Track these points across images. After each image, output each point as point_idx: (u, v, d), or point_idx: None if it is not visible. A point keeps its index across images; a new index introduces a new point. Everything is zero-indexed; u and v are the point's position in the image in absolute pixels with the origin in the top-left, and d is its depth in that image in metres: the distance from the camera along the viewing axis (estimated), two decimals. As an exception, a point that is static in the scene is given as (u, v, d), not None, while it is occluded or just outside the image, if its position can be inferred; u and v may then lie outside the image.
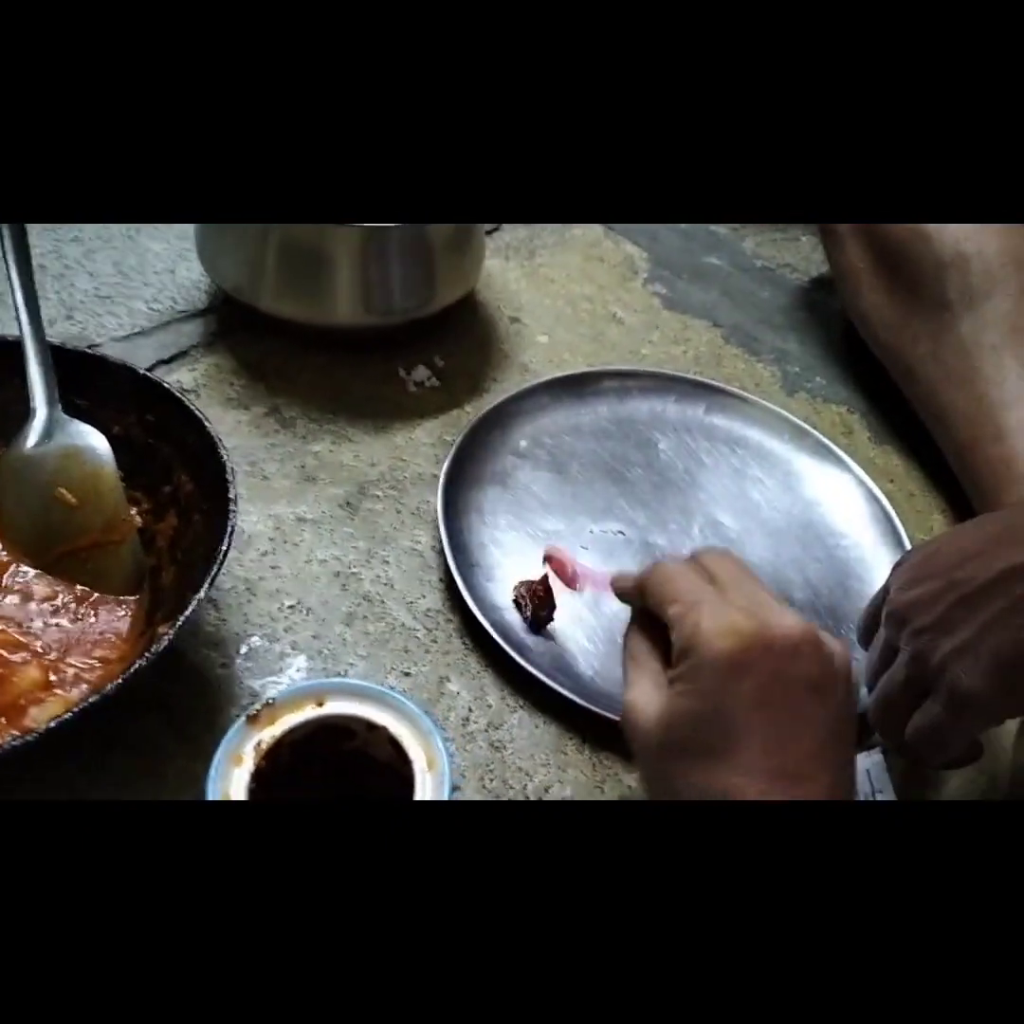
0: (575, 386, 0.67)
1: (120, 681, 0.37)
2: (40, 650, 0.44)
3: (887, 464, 0.68)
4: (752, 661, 0.34)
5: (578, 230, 0.85)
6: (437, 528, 0.56)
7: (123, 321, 0.67)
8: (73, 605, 0.46)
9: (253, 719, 0.38)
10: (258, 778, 0.36)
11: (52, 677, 0.43)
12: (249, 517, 0.56)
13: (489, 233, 0.81)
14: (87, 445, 0.47)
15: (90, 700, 0.37)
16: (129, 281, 0.71)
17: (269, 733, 0.37)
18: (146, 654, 0.38)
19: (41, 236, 0.72)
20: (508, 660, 0.50)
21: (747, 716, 0.34)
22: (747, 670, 0.34)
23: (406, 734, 0.39)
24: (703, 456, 0.65)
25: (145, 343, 0.66)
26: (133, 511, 0.48)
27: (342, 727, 0.40)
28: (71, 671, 0.43)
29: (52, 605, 0.46)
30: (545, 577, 0.53)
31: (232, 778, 0.36)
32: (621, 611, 0.54)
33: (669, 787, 0.35)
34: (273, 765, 0.37)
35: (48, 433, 0.47)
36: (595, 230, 0.86)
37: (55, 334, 0.55)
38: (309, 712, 0.39)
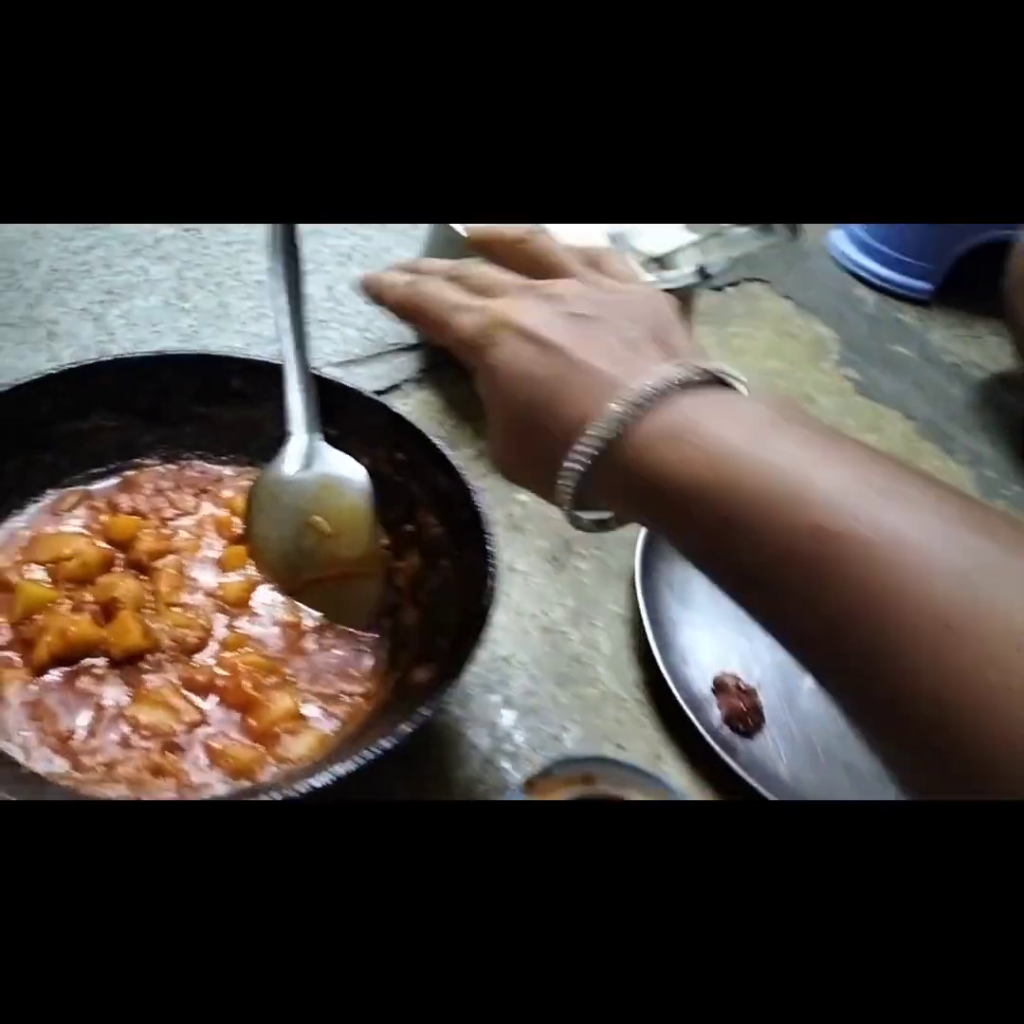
0: None
1: (393, 743, 0.37)
2: (289, 676, 0.44)
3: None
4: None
5: (767, 302, 0.85)
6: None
7: (338, 347, 0.68)
8: (314, 635, 0.46)
9: (530, 786, 0.37)
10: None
11: (302, 707, 0.43)
12: (462, 561, 0.56)
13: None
14: (347, 476, 0.47)
15: (365, 760, 0.36)
16: (342, 307, 0.72)
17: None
18: (415, 717, 0.38)
19: (258, 254, 0.74)
20: (715, 758, 0.48)
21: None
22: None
23: (671, 822, 0.38)
24: None
25: (360, 371, 0.67)
26: (379, 547, 0.49)
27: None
28: (318, 702, 0.43)
29: (295, 632, 0.46)
30: (754, 695, 0.52)
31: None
32: (818, 713, 0.53)
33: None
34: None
35: (308, 460, 0.48)
36: (785, 305, 0.85)
37: (274, 354, 0.56)
38: (577, 789, 0.38)
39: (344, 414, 0.51)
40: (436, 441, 0.49)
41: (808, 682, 0.54)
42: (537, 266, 0.37)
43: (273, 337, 0.67)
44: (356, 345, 0.69)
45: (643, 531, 0.57)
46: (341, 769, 0.35)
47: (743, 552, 0.28)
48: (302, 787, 0.35)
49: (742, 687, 0.52)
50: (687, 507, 0.29)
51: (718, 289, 0.85)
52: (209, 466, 0.52)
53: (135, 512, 0.48)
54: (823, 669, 0.28)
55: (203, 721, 0.41)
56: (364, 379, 0.66)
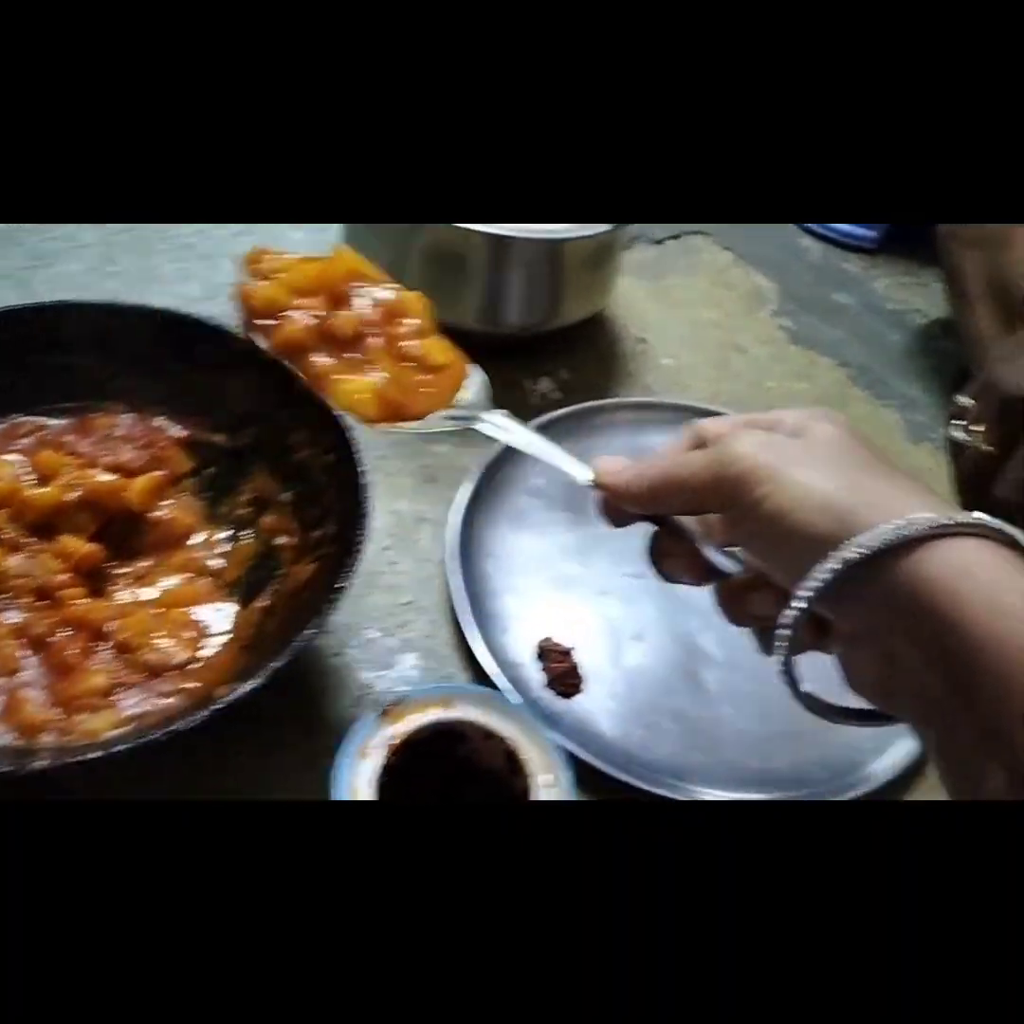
0: (588, 419, 0.64)
1: (254, 685, 0.38)
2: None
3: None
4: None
5: (707, 255, 0.85)
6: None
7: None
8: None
9: (385, 714, 0.38)
10: (387, 773, 0.37)
11: (119, 689, 0.44)
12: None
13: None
14: None
15: (221, 703, 0.37)
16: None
17: (398, 730, 0.38)
18: (283, 658, 0.39)
19: (191, 215, 0.74)
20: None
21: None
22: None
23: (527, 747, 0.39)
24: None
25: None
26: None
27: (458, 732, 0.40)
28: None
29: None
30: (570, 656, 0.51)
31: (359, 771, 0.37)
32: (645, 666, 0.52)
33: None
34: (399, 762, 0.38)
35: None
36: (724, 256, 0.85)
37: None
38: (435, 714, 0.39)
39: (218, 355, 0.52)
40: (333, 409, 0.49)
41: (630, 639, 0.53)
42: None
43: (199, 297, 0.69)
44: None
45: (462, 510, 0.56)
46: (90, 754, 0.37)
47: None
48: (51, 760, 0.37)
49: (560, 649, 0.51)
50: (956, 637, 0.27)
51: (658, 242, 0.85)
52: (169, 424, 0.53)
53: (73, 454, 0.49)
54: None
55: (18, 671, 0.43)
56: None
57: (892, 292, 0.86)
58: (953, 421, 0.58)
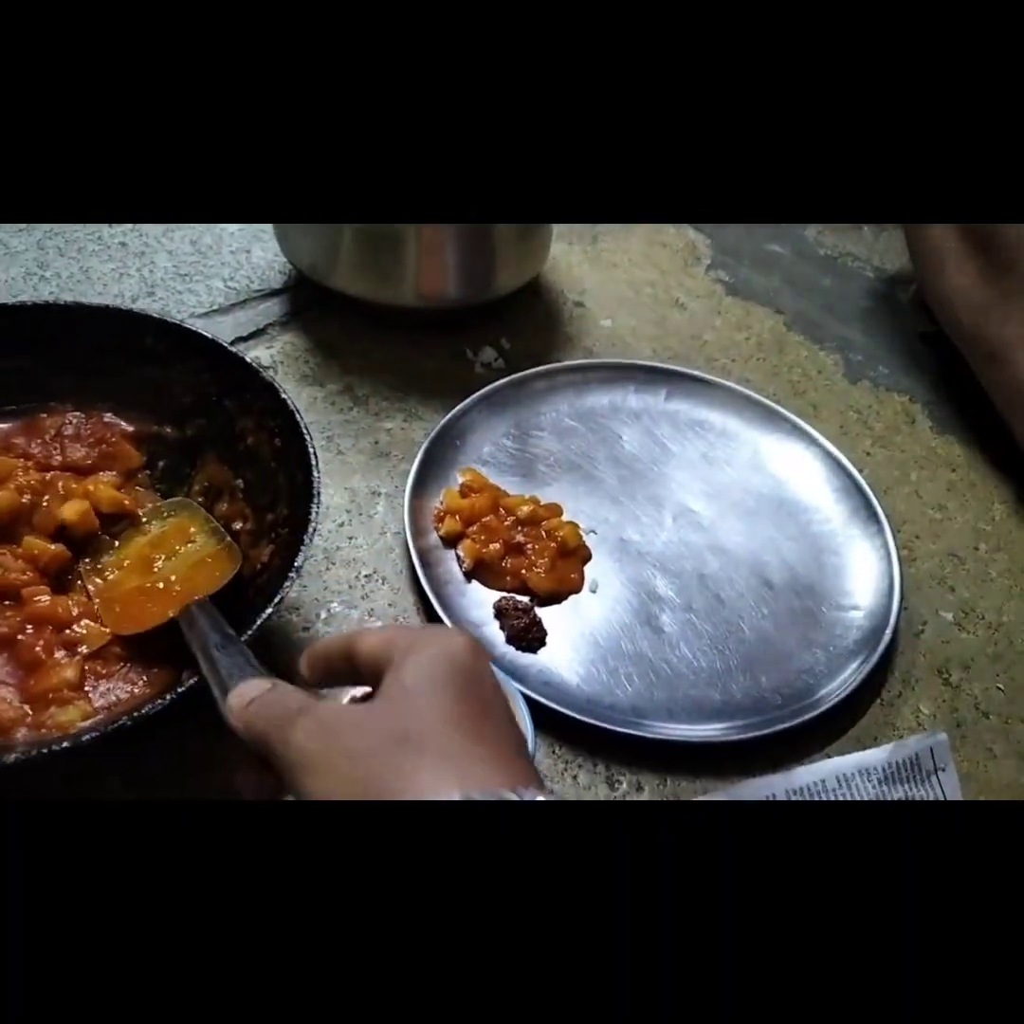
0: (530, 385, 0.65)
1: (114, 727, 0.36)
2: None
3: (949, 453, 0.68)
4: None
5: (641, 216, 0.86)
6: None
7: (202, 299, 0.69)
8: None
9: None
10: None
11: (89, 679, 0.44)
12: (326, 489, 0.58)
13: (553, 218, 0.82)
14: None
15: (174, 694, 0.37)
16: (206, 260, 0.73)
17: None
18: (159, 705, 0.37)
19: (122, 215, 0.74)
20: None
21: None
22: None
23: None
24: (668, 443, 0.64)
25: (224, 320, 0.68)
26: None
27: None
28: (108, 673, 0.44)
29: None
30: (530, 612, 0.52)
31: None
32: (603, 614, 0.53)
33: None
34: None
35: None
36: (657, 216, 0.86)
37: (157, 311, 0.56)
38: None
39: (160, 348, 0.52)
40: (262, 371, 0.50)
41: (588, 591, 0.54)
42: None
43: (135, 295, 0.69)
44: (220, 296, 0.70)
45: (409, 481, 0.56)
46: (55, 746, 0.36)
47: None
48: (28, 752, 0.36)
49: (519, 606, 0.52)
50: None
51: (591, 207, 0.86)
52: (117, 419, 0.53)
53: (24, 456, 0.50)
54: None
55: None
56: (228, 327, 0.67)
57: (824, 238, 0.88)
58: None
